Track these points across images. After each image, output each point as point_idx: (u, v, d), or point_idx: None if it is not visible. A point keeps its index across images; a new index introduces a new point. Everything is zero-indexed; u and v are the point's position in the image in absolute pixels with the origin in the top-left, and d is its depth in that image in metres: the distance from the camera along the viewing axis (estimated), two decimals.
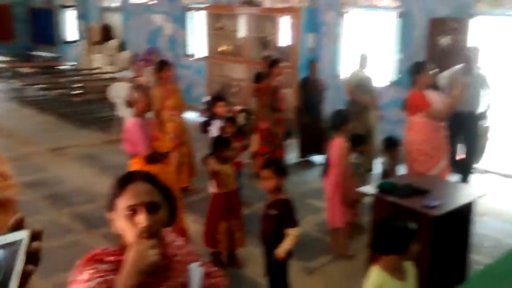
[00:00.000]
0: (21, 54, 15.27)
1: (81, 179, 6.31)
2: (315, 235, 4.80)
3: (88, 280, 1.38)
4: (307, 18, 8.07)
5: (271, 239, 3.24)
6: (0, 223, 2.40)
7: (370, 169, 6.12)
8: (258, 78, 6.12)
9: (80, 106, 9.35)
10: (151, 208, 1.45)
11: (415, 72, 4.57)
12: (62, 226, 4.94)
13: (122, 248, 1.47)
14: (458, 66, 5.90)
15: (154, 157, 3.97)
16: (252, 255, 4.17)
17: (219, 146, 4.05)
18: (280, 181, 3.24)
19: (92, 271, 1.40)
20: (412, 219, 2.53)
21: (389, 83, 7.38)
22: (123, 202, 1.46)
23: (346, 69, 8.03)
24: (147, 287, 1.40)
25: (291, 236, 3.16)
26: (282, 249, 3.15)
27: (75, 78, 11.14)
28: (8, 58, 13.23)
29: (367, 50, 6.81)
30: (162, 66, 5.69)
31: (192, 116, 8.10)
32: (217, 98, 5.54)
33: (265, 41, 9.01)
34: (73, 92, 9.50)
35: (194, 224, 4.75)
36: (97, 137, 8.25)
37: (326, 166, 4.27)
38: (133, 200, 1.45)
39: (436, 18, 6.68)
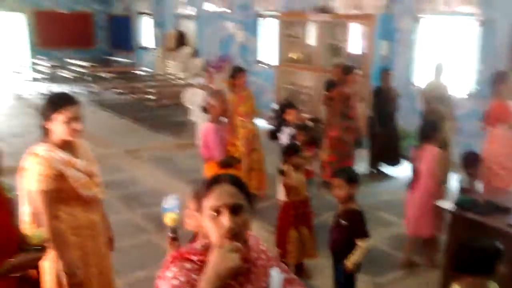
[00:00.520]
0: (100, 59, 16.17)
1: (154, 181, 6.54)
2: (385, 250, 4.66)
3: (172, 278, 1.44)
4: (381, 25, 7.89)
5: (341, 250, 3.18)
6: (85, 220, 2.55)
7: (444, 182, 5.86)
8: (330, 86, 6.07)
9: (154, 110, 9.71)
10: (234, 210, 1.48)
11: (497, 82, 4.37)
12: (135, 226, 5.15)
13: (206, 248, 1.51)
14: None
15: (228, 162, 4.04)
16: (320, 266, 4.12)
17: (290, 153, 4.04)
18: (351, 190, 3.18)
19: (177, 269, 1.46)
20: (495, 238, 2.39)
21: (467, 94, 7.05)
22: (209, 203, 1.50)
23: (421, 78, 7.77)
24: None
25: (361, 247, 3.09)
26: (351, 261, 3.09)
27: (150, 83, 11.60)
28: (88, 63, 13.99)
29: (444, 58, 6.56)
30: (236, 72, 5.76)
31: (260, 123, 8.15)
32: (288, 105, 5.53)
33: (336, 49, 8.92)
34: (148, 97, 9.87)
35: (261, 230, 4.77)
36: (170, 141, 8.52)
37: (413, 175, 4.12)
38: (217, 201, 1.48)
39: None
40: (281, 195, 4.50)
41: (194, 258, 1.50)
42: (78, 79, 13.62)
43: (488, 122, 4.43)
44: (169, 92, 9.64)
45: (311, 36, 9.07)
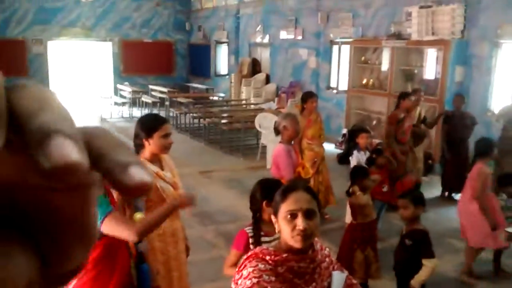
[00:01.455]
0: (180, 85, 17.04)
1: (225, 200, 6.79)
2: (452, 276, 4.53)
3: (246, 278, 1.63)
4: (456, 51, 7.77)
5: (406, 270, 3.19)
6: (169, 227, 2.80)
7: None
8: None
9: (228, 134, 10.08)
10: (308, 214, 1.68)
11: None
12: (208, 242, 5.39)
13: (279, 250, 1.69)
14: None
15: (296, 183, 4.18)
16: (384, 285, 4.11)
17: (359, 175, 4.11)
18: (417, 211, 3.21)
19: (251, 269, 1.64)
20: None
21: None
22: (285, 207, 1.70)
23: (498, 104, 7.52)
24: (296, 286, 1.62)
25: (427, 267, 3.08)
26: (417, 280, 3.09)
27: (225, 108, 12.06)
28: (168, 89, 14.79)
29: None
30: (307, 96, 5.98)
31: (329, 147, 8.23)
32: (361, 129, 5.62)
33: (409, 74, 8.86)
34: (222, 121, 10.28)
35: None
36: (241, 163, 8.80)
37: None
38: (294, 206, 1.68)
39: None
40: (348, 217, 4.56)
41: (268, 258, 1.67)
42: (157, 104, 14.45)
43: None
44: (242, 117, 9.98)
45: (384, 61, 9.09)
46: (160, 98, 14.40)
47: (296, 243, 1.66)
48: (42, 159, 0.23)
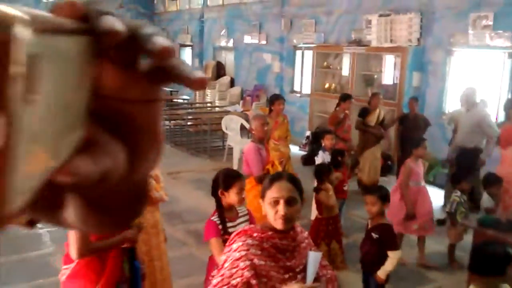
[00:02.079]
0: None
1: (193, 200, 6.92)
2: (411, 268, 4.84)
3: (235, 250, 1.88)
4: (413, 57, 8.20)
5: (372, 262, 3.43)
6: (151, 219, 2.94)
7: (478, 207, 6.01)
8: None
9: (194, 136, 10.20)
10: (289, 201, 1.93)
11: (509, 108, 4.68)
12: (178, 240, 5.50)
13: (265, 228, 1.97)
14: None
15: (264, 178, 4.39)
16: (349, 280, 4.36)
17: (325, 172, 4.37)
18: (383, 207, 3.45)
19: (240, 243, 1.89)
20: (507, 245, 2.64)
21: (497, 124, 7.20)
22: (270, 194, 1.95)
23: (452, 107, 7.98)
24: (278, 261, 1.85)
25: (392, 259, 3.33)
26: (383, 271, 3.33)
27: (190, 110, 12.15)
28: None
29: (476, 89, 6.74)
30: (275, 99, 6.28)
31: (293, 149, 8.48)
32: (326, 131, 5.90)
33: (369, 79, 9.25)
34: (188, 123, 10.38)
35: None
36: (208, 164, 8.94)
37: None
38: (277, 193, 1.94)
39: None
40: (313, 214, 4.80)
41: (255, 234, 1.93)
42: None
43: (500, 145, 4.75)
44: (207, 119, 10.12)
45: (345, 67, 9.45)
46: None
47: (278, 225, 1.93)
48: (153, 46, 0.32)
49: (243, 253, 1.86)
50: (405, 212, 4.57)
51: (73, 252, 2.35)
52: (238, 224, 2.88)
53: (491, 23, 7.16)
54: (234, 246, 1.91)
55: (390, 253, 3.33)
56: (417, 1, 8.23)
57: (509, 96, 7.00)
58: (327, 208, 4.30)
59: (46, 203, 0.33)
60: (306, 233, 2.11)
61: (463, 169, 5.32)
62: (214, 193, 2.90)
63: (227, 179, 2.88)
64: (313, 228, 4.41)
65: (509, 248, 2.48)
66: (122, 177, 0.33)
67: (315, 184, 4.50)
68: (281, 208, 1.91)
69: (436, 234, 5.01)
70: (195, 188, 7.46)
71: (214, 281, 1.89)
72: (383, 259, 3.35)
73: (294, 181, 2.03)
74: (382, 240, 3.37)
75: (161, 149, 0.36)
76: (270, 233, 1.93)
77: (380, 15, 8.67)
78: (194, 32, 15.33)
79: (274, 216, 1.92)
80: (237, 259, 1.85)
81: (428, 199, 4.76)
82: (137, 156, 0.34)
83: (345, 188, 5.33)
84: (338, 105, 6.83)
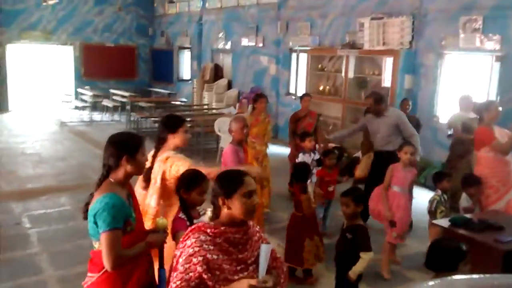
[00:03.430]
0: (141, 90, 17.07)
1: None
2: (391, 268, 4.84)
3: (189, 246, 1.97)
4: (405, 60, 8.24)
5: (345, 261, 3.47)
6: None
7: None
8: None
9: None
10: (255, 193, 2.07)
11: (483, 110, 4.73)
12: None
13: (218, 224, 2.04)
14: None
15: None
16: (325, 275, 4.48)
17: (301, 173, 4.45)
18: (357, 208, 3.49)
19: (194, 239, 1.98)
20: (483, 252, 2.66)
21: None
22: (243, 188, 2.02)
23: (443, 110, 8.01)
24: (231, 254, 2.00)
25: (364, 259, 3.37)
26: (354, 271, 3.38)
27: (186, 112, 12.22)
28: (129, 94, 14.84)
29: (467, 92, 6.77)
30: (258, 97, 6.48)
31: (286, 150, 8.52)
32: (306, 134, 5.98)
33: (363, 82, 9.30)
34: None
35: (277, 248, 5.07)
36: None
37: None
38: (249, 187, 2.04)
39: None
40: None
41: (208, 230, 2.01)
42: (118, 108, 14.47)
43: (475, 146, 4.81)
44: (203, 121, 10.17)
45: (340, 69, 9.49)
46: (121, 102, 14.42)
47: (249, 216, 2.04)
48: None
49: (196, 249, 1.95)
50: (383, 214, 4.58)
51: (108, 263, 2.28)
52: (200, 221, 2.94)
53: (480, 26, 7.19)
54: (188, 242, 1.99)
55: (362, 254, 3.37)
56: (409, 4, 8.27)
57: (498, 99, 7.03)
58: (307, 206, 4.37)
59: None
60: (257, 227, 2.21)
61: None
62: (177, 192, 2.96)
63: (190, 180, 2.94)
64: (293, 227, 4.47)
65: (463, 244, 2.51)
66: None
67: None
68: (255, 199, 2.04)
69: (425, 236, 5.03)
70: None
71: (173, 277, 1.98)
72: (355, 259, 3.39)
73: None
74: (355, 240, 3.41)
75: None
76: (223, 228, 2.02)
77: (373, 18, 8.72)
78: (193, 35, 15.41)
79: (246, 208, 2.01)
80: (191, 255, 1.95)
81: (406, 208, 4.61)
82: None
83: (330, 189, 5.37)
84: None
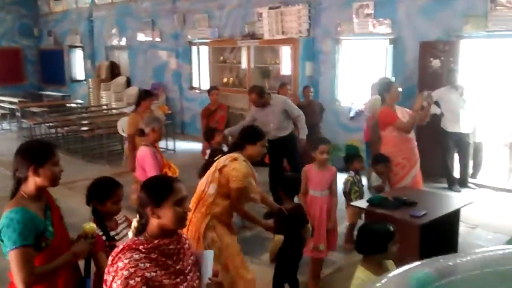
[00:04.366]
0: (32, 94, 15.81)
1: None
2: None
3: (122, 269, 1.76)
4: (304, 48, 8.41)
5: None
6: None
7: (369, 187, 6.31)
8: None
9: (89, 141, 9.67)
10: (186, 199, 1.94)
11: (384, 91, 4.94)
12: None
13: (149, 238, 1.87)
14: (443, 88, 6.41)
15: None
16: None
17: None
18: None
19: (127, 260, 1.78)
20: (402, 228, 2.73)
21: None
22: (174, 196, 1.88)
23: (344, 94, 8.32)
24: (169, 267, 1.85)
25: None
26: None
27: (84, 115, 11.52)
28: (18, 99, 13.68)
29: (364, 75, 7.09)
30: (145, 95, 6.05)
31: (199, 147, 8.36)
32: (215, 129, 5.88)
33: (266, 71, 9.35)
34: (82, 129, 9.83)
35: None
36: (107, 170, 8.50)
37: None
38: (181, 194, 1.90)
39: (426, 41, 6.97)
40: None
41: (141, 247, 1.82)
42: (7, 116, 13.29)
43: (380, 127, 5.01)
44: (103, 122, 9.63)
45: (242, 60, 9.46)
46: (10, 109, 13.27)
47: (181, 224, 1.92)
48: None
49: (132, 270, 1.77)
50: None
51: (19, 283, 2.10)
52: (121, 230, 2.78)
53: (372, 11, 7.53)
54: (120, 264, 1.80)
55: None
56: None
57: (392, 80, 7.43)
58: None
59: None
60: (185, 235, 2.11)
61: None
62: (89, 204, 2.74)
63: (102, 189, 2.73)
64: None
65: (390, 225, 2.56)
66: None
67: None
68: (187, 205, 1.94)
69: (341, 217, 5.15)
70: None
71: None
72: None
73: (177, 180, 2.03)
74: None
75: None
76: (156, 241, 1.86)
77: (270, 8, 8.78)
78: (84, 32, 14.55)
79: (178, 217, 1.88)
80: (127, 278, 1.76)
81: (321, 214, 3.97)
82: None
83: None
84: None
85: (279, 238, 3.56)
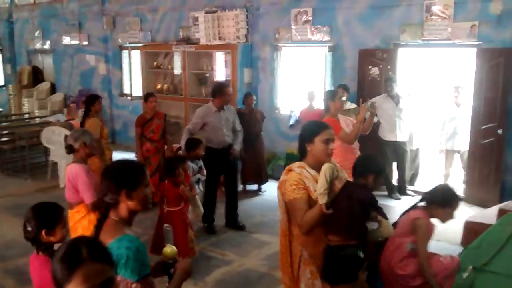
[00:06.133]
0: None
1: (12, 231, 5.86)
2: (261, 270, 4.69)
3: None
4: (243, 54, 8.17)
5: None
6: None
7: None
8: None
9: (9, 153, 8.85)
10: (104, 286, 1.33)
11: (328, 100, 4.84)
12: None
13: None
14: (380, 96, 6.48)
15: (100, 204, 3.74)
16: None
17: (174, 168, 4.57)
18: None
19: None
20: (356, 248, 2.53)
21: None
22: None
23: (283, 102, 8.17)
24: None
25: None
26: None
27: (4, 124, 10.57)
28: None
29: (304, 83, 6.99)
30: (94, 99, 6.12)
31: (131, 156, 7.87)
32: (199, 141, 5.66)
33: (202, 78, 9.02)
34: (2, 139, 9.01)
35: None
36: (29, 185, 7.80)
37: None
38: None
39: (365, 49, 6.97)
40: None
41: None
42: None
43: None
44: (26, 133, 8.84)
45: (176, 66, 9.07)
46: None
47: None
48: None
49: None
50: None
51: None
52: None
53: (310, 18, 7.44)
54: None
55: None
56: None
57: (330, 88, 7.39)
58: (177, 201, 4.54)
59: None
60: None
61: None
62: (29, 235, 2.47)
63: (50, 216, 2.49)
64: (179, 219, 4.54)
65: (359, 250, 2.35)
66: None
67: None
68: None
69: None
70: (14, 216, 6.38)
71: None
72: None
73: (100, 254, 1.38)
74: None
75: None
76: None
77: (206, 12, 8.47)
78: (3, 35, 13.52)
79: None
80: None
81: None
82: None
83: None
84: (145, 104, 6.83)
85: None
